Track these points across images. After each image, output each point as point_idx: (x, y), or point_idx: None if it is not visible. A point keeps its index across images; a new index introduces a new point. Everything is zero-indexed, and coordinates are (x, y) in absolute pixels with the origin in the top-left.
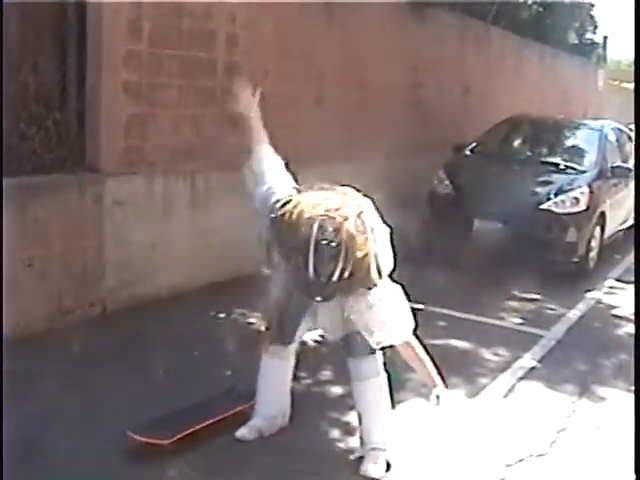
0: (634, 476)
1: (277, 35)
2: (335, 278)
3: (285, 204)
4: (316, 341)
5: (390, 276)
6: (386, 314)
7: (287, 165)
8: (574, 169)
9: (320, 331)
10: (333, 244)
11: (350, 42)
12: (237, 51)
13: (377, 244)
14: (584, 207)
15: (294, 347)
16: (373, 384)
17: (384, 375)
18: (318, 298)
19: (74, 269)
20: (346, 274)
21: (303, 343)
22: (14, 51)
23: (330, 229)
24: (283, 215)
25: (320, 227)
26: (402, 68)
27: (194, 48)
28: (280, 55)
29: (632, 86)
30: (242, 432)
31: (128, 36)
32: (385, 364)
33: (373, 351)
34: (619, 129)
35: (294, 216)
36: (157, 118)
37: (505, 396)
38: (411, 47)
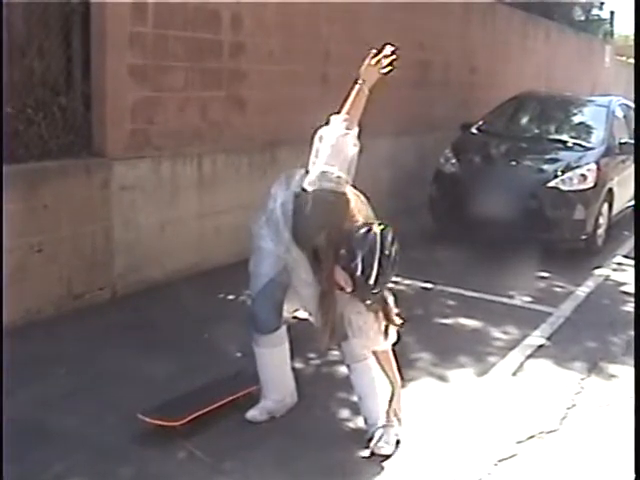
0: (634, 476)
1: (281, 14)
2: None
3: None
4: None
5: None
6: (380, 320)
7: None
8: (581, 146)
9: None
10: (391, 256)
11: (354, 19)
12: (243, 32)
13: None
14: (592, 184)
15: (284, 330)
16: (370, 364)
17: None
18: (368, 302)
19: (83, 254)
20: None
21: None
22: (19, 35)
23: (389, 240)
24: (330, 206)
25: (383, 239)
26: (409, 46)
27: (199, 29)
28: (285, 34)
29: None
30: (252, 414)
31: (132, 18)
32: None
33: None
34: (626, 105)
35: (353, 217)
36: (163, 101)
37: (514, 374)
38: (418, 24)
